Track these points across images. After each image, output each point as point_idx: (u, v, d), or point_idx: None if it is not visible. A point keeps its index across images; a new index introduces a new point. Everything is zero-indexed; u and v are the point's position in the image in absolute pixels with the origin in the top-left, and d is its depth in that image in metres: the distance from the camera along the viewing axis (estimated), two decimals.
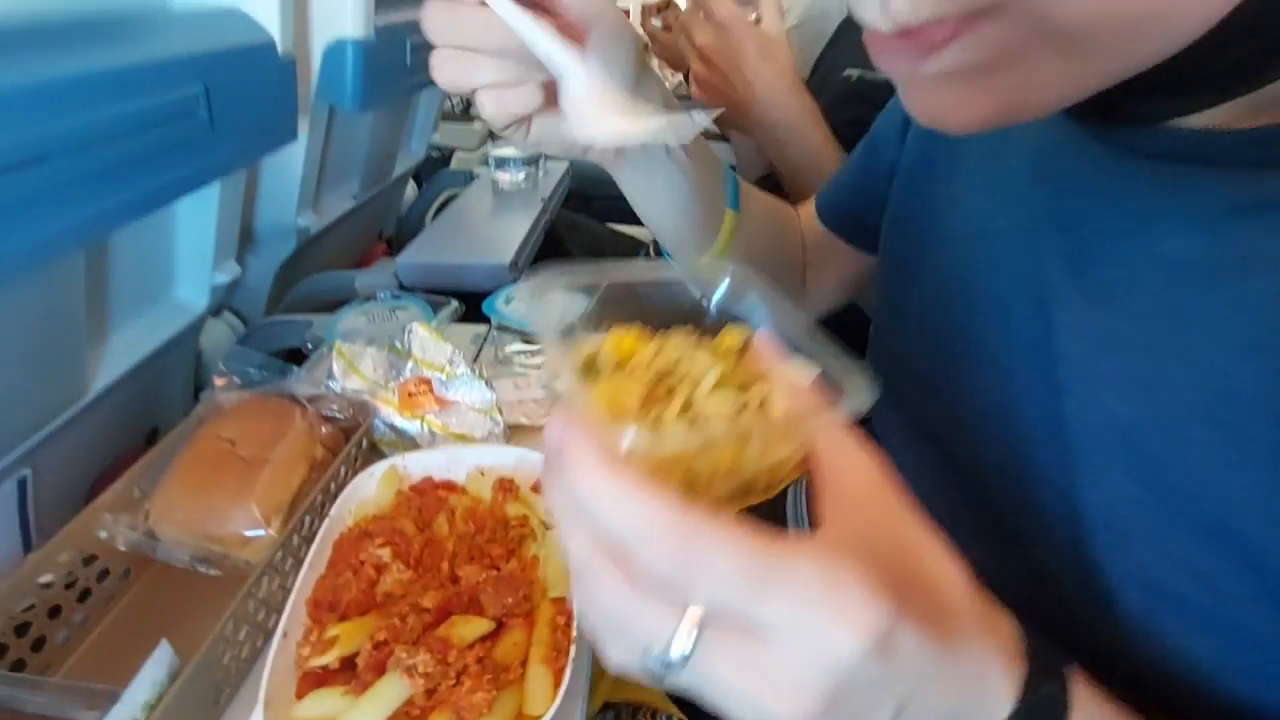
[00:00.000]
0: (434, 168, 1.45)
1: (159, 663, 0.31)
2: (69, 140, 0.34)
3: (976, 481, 0.37)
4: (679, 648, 0.18)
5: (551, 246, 1.07)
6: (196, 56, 0.44)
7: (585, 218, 1.26)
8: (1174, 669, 0.29)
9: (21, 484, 0.50)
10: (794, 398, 0.24)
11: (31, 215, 0.33)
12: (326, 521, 0.39)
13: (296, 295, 0.85)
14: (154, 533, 0.41)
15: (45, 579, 0.37)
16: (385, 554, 0.37)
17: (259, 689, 0.31)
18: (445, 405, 0.50)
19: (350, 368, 0.51)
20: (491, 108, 0.32)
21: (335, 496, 0.41)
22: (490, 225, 0.99)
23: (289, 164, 0.72)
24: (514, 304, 0.62)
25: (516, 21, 0.28)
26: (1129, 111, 0.24)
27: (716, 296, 0.30)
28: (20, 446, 0.48)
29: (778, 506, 0.56)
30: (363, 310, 0.64)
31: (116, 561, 0.41)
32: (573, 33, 0.31)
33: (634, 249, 1.22)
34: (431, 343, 0.53)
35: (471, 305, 0.71)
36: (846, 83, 0.82)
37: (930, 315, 0.41)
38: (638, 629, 0.19)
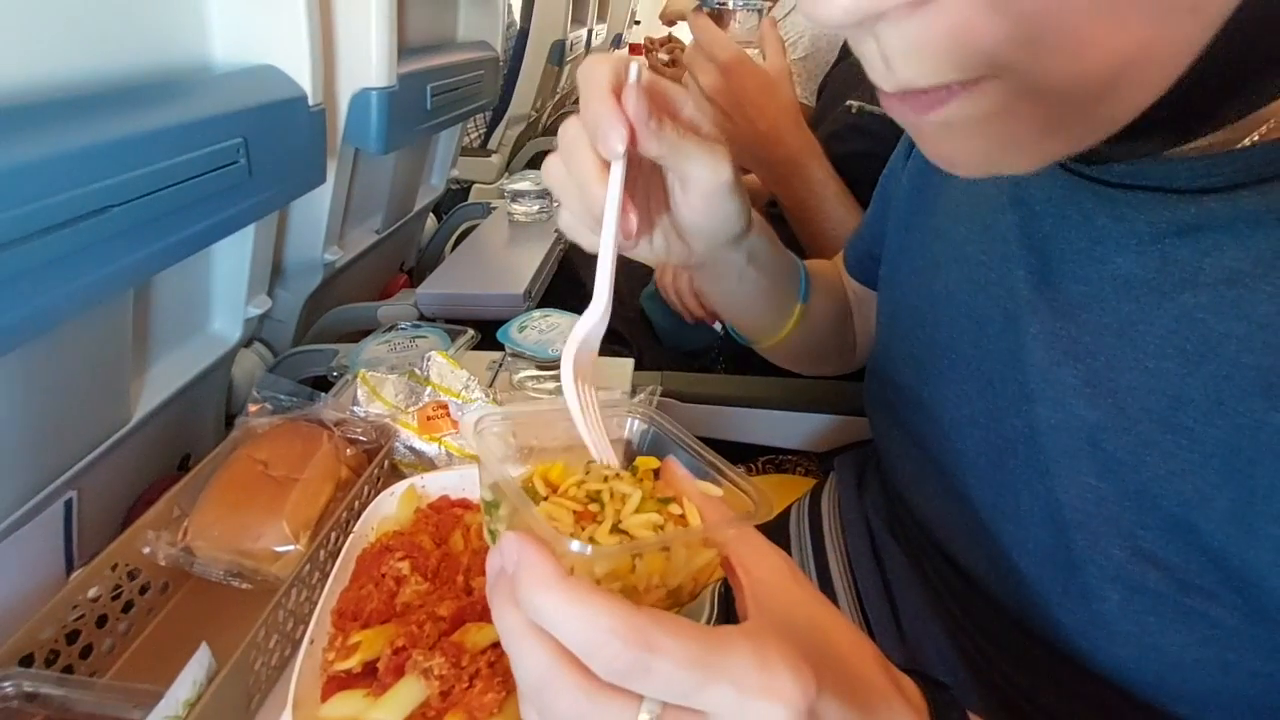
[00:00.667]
0: (454, 200, 1.51)
1: (199, 663, 0.33)
2: (126, 193, 0.38)
3: (964, 489, 0.39)
4: None
5: (566, 274, 1.11)
6: (236, 112, 0.48)
7: None
8: (1155, 666, 0.31)
9: (68, 505, 0.54)
10: (707, 511, 0.27)
11: (92, 260, 0.37)
12: (351, 537, 0.42)
13: (323, 326, 0.89)
14: (191, 549, 0.44)
15: (93, 592, 0.40)
16: (405, 567, 0.39)
17: (288, 692, 0.34)
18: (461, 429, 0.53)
19: (373, 393, 0.55)
20: (568, 221, 0.35)
21: (359, 514, 0.43)
22: (506, 256, 1.03)
23: (317, 203, 0.77)
24: (525, 332, 0.66)
25: (604, 262, 0.31)
26: (1098, 153, 0.26)
27: (633, 430, 0.34)
28: (69, 470, 0.52)
29: (781, 526, 0.58)
30: (385, 339, 0.67)
31: (157, 576, 0.44)
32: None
33: (646, 276, 1.25)
34: (448, 369, 0.56)
35: (488, 333, 0.74)
36: (848, 113, 0.85)
37: (918, 335, 0.44)
38: None
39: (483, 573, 0.40)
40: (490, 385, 0.67)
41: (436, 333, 0.68)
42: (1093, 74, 0.21)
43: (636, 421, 0.34)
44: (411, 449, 0.53)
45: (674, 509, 0.27)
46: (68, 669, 0.38)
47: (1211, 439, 0.28)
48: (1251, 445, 0.26)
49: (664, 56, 2.12)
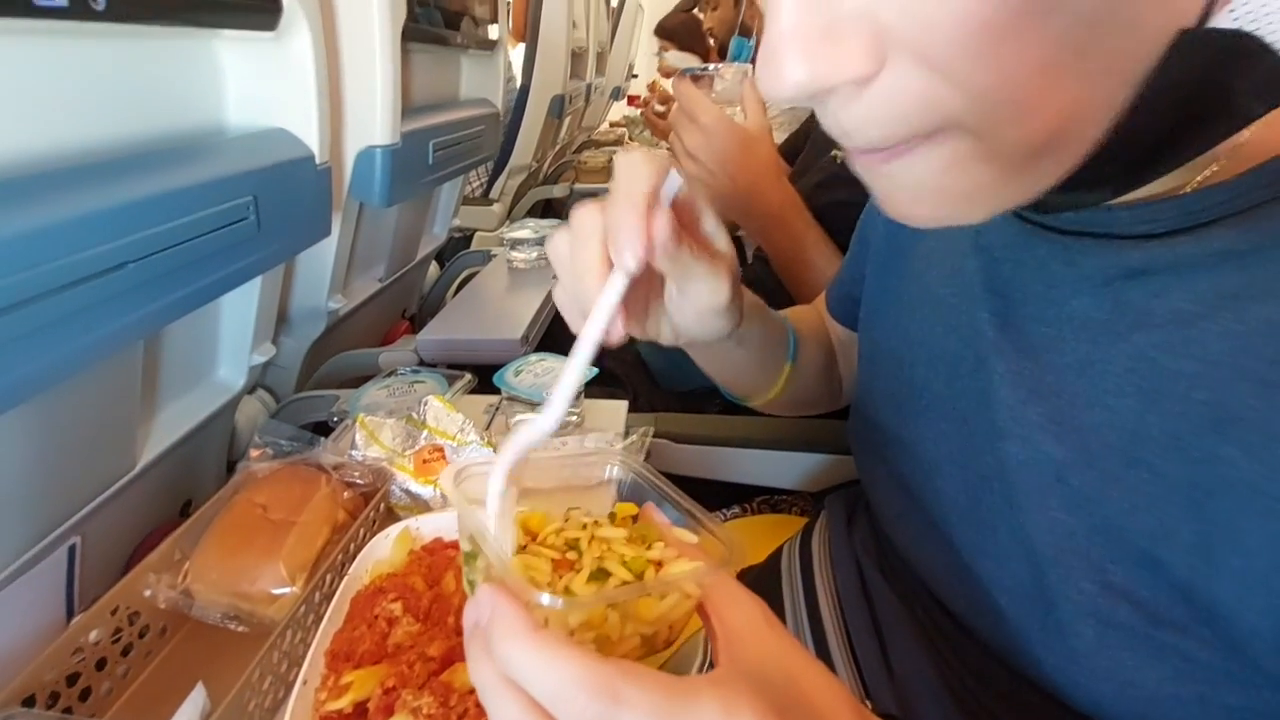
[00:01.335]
0: (456, 248, 1.55)
1: (194, 703, 0.34)
2: (141, 249, 0.41)
3: (945, 527, 0.40)
4: None
5: (564, 319, 1.14)
6: (247, 172, 0.51)
7: None
8: (1134, 703, 0.32)
9: (71, 551, 0.55)
10: (682, 557, 0.28)
11: (109, 314, 0.39)
12: (345, 579, 0.43)
13: (326, 371, 0.91)
14: (190, 592, 0.45)
15: (94, 635, 0.41)
16: (397, 608, 0.40)
17: None
18: None
19: (371, 438, 0.56)
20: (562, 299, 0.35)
21: (354, 556, 0.45)
22: (505, 302, 1.06)
23: (322, 254, 0.80)
24: (521, 376, 0.67)
25: (563, 383, 0.29)
26: (1048, 203, 0.28)
27: (613, 477, 0.35)
28: (73, 517, 0.53)
29: (773, 566, 0.59)
30: (384, 385, 0.69)
31: (156, 619, 0.45)
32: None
33: None
34: (445, 413, 0.58)
35: (488, 377, 0.76)
36: (832, 163, 0.89)
37: (896, 375, 0.45)
38: None
39: None
40: (487, 428, 0.69)
41: (434, 377, 0.70)
42: (1035, 133, 0.23)
43: (616, 468, 0.35)
44: (407, 491, 0.54)
45: (653, 553, 0.28)
46: (67, 710, 0.39)
47: (1171, 474, 0.29)
48: (1208, 479, 0.27)
49: (660, 107, 2.23)
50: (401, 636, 0.39)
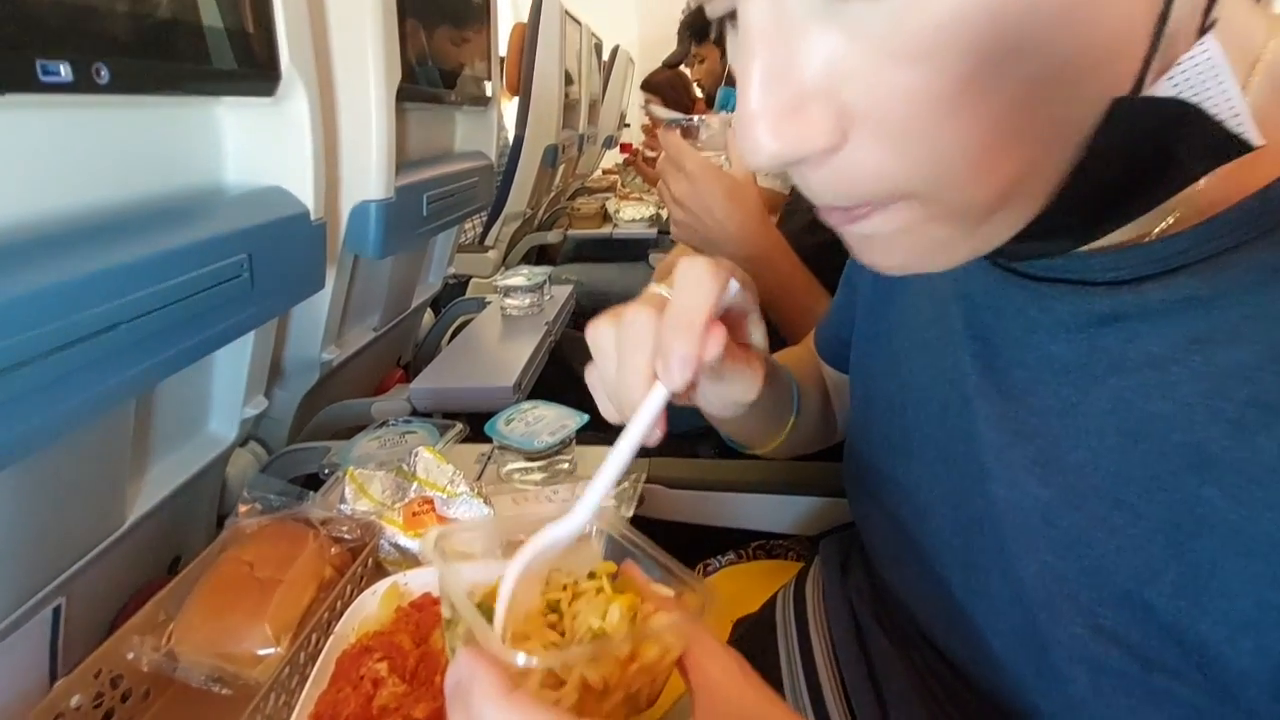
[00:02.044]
0: (451, 294, 1.57)
1: None
2: (137, 310, 0.41)
3: (940, 570, 0.40)
4: None
5: (558, 364, 1.14)
6: (243, 230, 0.52)
7: None
8: None
9: (56, 612, 0.54)
10: (661, 612, 0.28)
11: (104, 372, 0.40)
12: (331, 638, 0.42)
13: (319, 422, 0.91)
14: (174, 653, 0.44)
15: (75, 700, 0.40)
16: (383, 669, 0.40)
17: None
18: (447, 524, 0.54)
19: (361, 491, 0.56)
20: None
21: (341, 614, 0.44)
22: (498, 349, 1.07)
23: (316, 306, 0.81)
24: (512, 425, 0.68)
25: (615, 456, 0.30)
26: (1013, 251, 0.30)
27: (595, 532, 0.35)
28: (60, 577, 0.53)
29: (768, 614, 0.58)
30: (376, 436, 0.69)
31: (139, 682, 0.44)
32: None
33: None
34: (435, 464, 0.58)
35: (480, 425, 0.76)
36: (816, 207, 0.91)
37: (889, 419, 0.46)
38: None
39: None
40: (479, 478, 0.69)
41: (426, 428, 0.70)
42: (986, 195, 0.25)
43: (597, 525, 0.35)
44: (396, 545, 0.54)
45: (631, 608, 0.28)
46: None
47: (1153, 515, 0.29)
48: (1190, 520, 0.28)
49: (650, 154, 2.31)
50: (387, 698, 0.38)
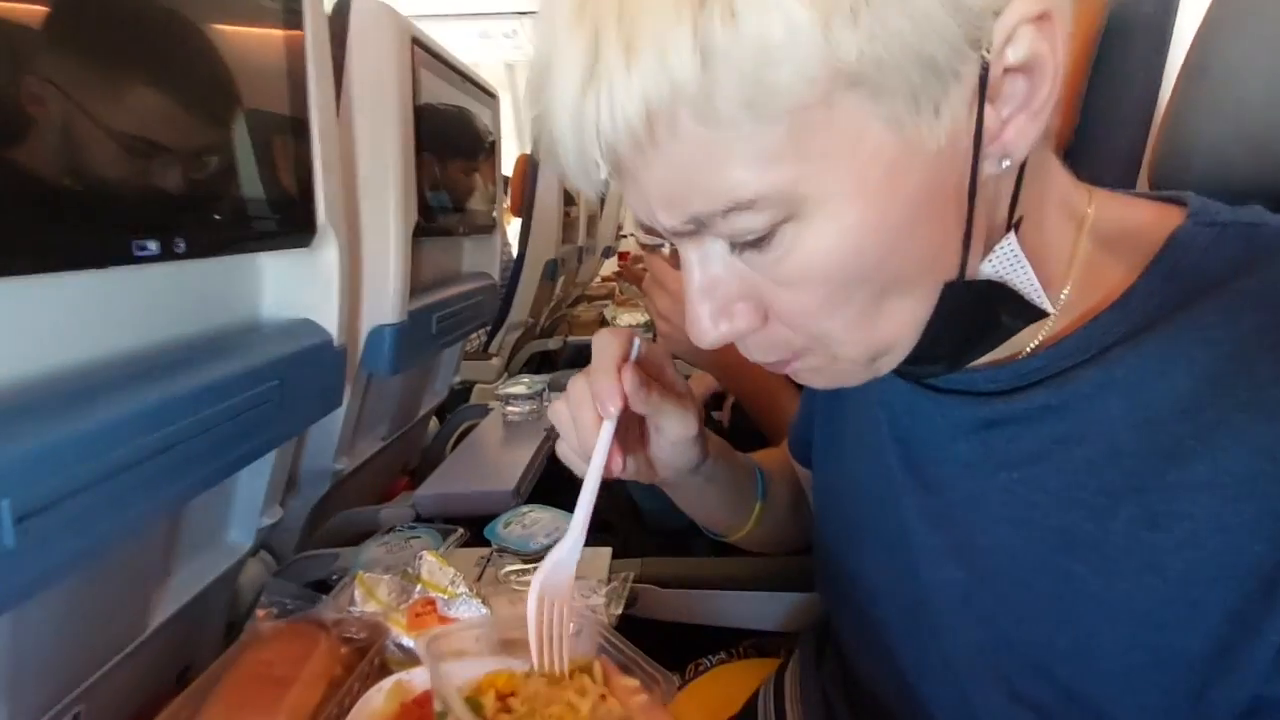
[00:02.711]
0: (456, 400, 1.64)
1: None
2: (188, 433, 0.48)
3: (893, 653, 0.44)
4: None
5: (556, 467, 1.19)
6: (275, 359, 0.60)
7: None
8: None
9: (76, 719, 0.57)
10: (627, 697, 0.34)
11: (155, 489, 0.46)
12: None
13: (328, 529, 0.96)
14: None
15: None
16: None
17: None
18: (447, 624, 0.58)
19: (369, 594, 0.61)
20: (568, 453, 0.44)
21: (349, 709, 0.48)
22: (499, 455, 1.12)
23: (331, 420, 0.88)
24: (510, 528, 0.73)
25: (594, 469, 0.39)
26: (903, 372, 0.37)
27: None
28: (84, 682, 0.56)
29: (750, 710, 0.61)
30: (383, 542, 0.74)
31: None
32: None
33: None
34: (437, 567, 0.63)
35: (481, 529, 0.81)
36: None
37: (843, 510, 0.51)
38: None
39: None
40: (478, 580, 0.73)
41: (429, 533, 0.75)
42: (866, 350, 0.34)
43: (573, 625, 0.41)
44: (400, 646, 0.57)
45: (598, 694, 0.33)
46: None
47: (1042, 590, 0.34)
48: (1069, 593, 0.33)
49: (639, 266, 2.49)
50: None
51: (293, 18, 0.60)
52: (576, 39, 0.27)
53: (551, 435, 1.22)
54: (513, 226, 2.18)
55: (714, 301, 0.33)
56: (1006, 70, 0.28)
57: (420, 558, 0.64)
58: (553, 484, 1.12)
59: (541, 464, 1.12)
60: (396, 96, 0.82)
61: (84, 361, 0.47)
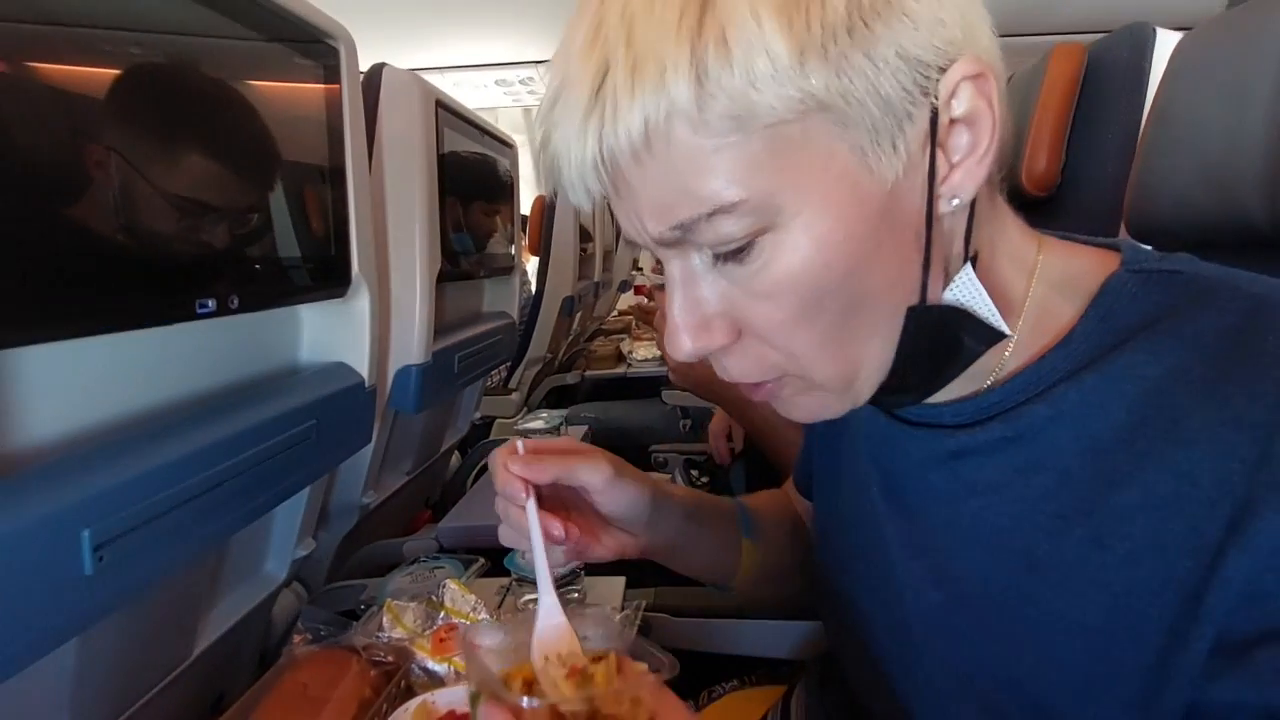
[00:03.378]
0: (477, 435, 1.69)
1: None
2: (236, 470, 0.53)
3: (886, 675, 0.46)
4: None
5: None
6: (313, 401, 0.66)
7: None
8: None
9: None
10: (638, 678, 0.36)
11: (208, 521, 0.51)
12: None
13: (356, 560, 1.00)
14: None
15: None
16: None
17: None
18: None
19: (396, 620, 0.65)
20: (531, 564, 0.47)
21: None
22: None
23: (360, 456, 0.93)
24: (528, 557, 0.76)
25: (536, 563, 0.43)
26: (880, 402, 0.41)
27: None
28: (131, 708, 0.60)
29: None
30: (408, 572, 0.78)
31: None
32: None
33: None
34: (460, 595, 0.66)
35: (500, 559, 0.84)
36: None
37: (834, 540, 0.54)
38: None
39: None
40: (499, 607, 0.76)
41: (452, 563, 0.79)
42: (838, 374, 0.37)
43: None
44: (425, 669, 0.61)
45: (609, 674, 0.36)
46: None
47: (1010, 610, 0.37)
48: (1034, 611, 0.36)
49: (650, 302, 2.57)
50: None
51: (333, 94, 0.67)
52: (589, 63, 0.31)
53: None
54: (531, 264, 2.26)
55: (694, 316, 0.36)
56: (953, 121, 0.33)
57: (444, 586, 0.68)
58: None
59: None
60: (423, 155, 0.88)
61: (148, 406, 0.52)
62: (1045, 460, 0.36)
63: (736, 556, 0.61)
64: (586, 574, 0.82)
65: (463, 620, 0.64)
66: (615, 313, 3.68)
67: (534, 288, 2.14)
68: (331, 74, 0.67)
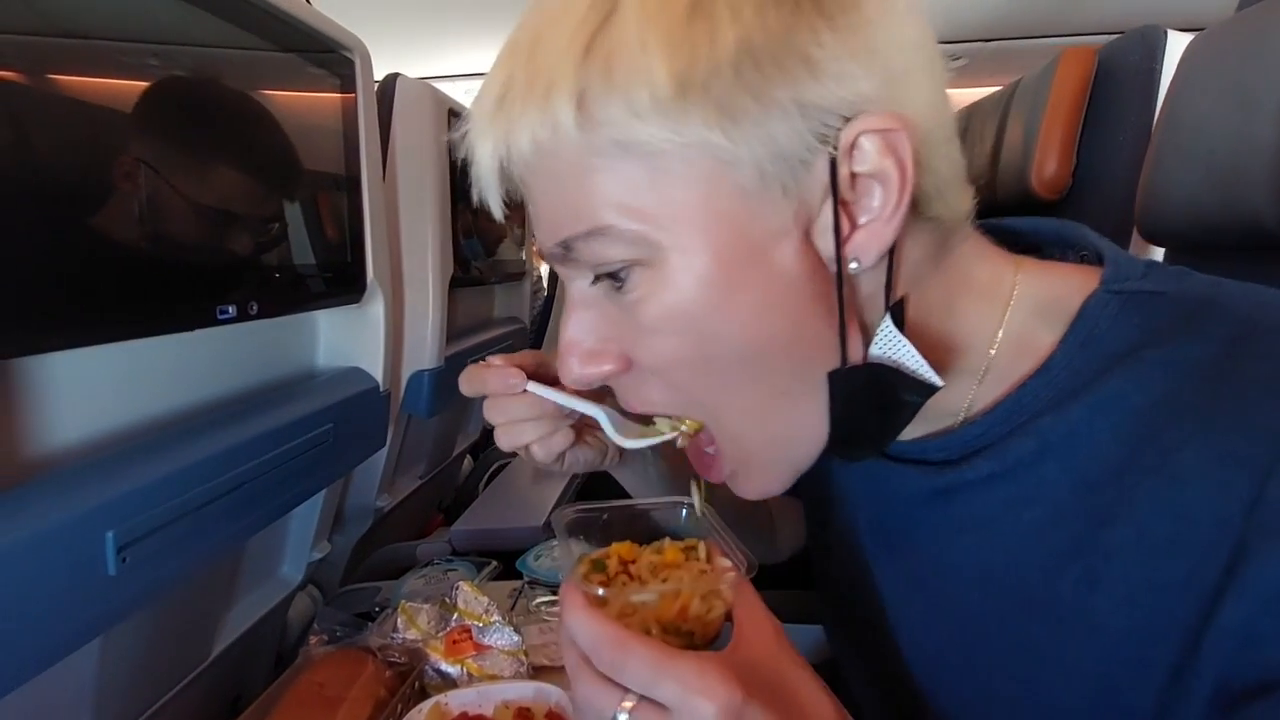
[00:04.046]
0: (489, 440, 1.70)
1: None
2: (257, 472, 0.54)
3: (886, 703, 0.45)
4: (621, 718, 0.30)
5: (586, 497, 1.23)
6: (330, 405, 0.67)
7: None
8: None
9: None
10: (722, 572, 0.37)
11: (229, 522, 0.52)
12: None
13: (371, 563, 1.01)
14: None
15: None
16: None
17: None
18: (481, 650, 0.63)
19: (410, 622, 0.65)
20: (541, 453, 0.45)
21: None
22: (529, 492, 1.17)
23: (374, 460, 0.94)
24: (540, 560, 0.77)
25: (558, 398, 0.42)
26: (839, 454, 0.38)
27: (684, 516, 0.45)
28: (150, 708, 0.61)
29: None
30: (422, 574, 0.79)
31: None
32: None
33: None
34: (473, 597, 0.67)
35: (513, 562, 0.85)
36: None
37: (827, 557, 0.52)
38: (598, 706, 0.31)
39: None
40: (512, 609, 0.77)
41: (465, 565, 0.80)
42: (768, 441, 0.36)
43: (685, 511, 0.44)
44: (438, 671, 0.62)
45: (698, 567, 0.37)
46: None
47: (1006, 651, 0.36)
48: (1030, 655, 0.34)
49: None
50: None
51: (349, 104, 0.68)
52: (499, 72, 0.32)
53: (579, 475, 1.27)
54: (544, 268, 2.27)
55: (586, 341, 0.35)
56: (859, 175, 0.31)
57: (457, 588, 0.69)
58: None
59: (571, 497, 1.16)
60: (435, 163, 0.90)
61: (169, 410, 0.54)
62: (1036, 495, 0.34)
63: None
64: None
65: (475, 622, 0.65)
66: None
67: (546, 292, 2.15)
68: (347, 84, 0.68)
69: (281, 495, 0.61)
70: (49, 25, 0.39)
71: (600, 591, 0.34)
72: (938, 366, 0.33)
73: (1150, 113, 0.85)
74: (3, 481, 0.40)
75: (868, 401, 0.34)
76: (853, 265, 0.32)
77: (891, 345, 0.33)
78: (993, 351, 0.36)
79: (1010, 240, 0.39)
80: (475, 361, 1.06)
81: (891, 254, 0.32)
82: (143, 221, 0.45)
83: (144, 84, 0.45)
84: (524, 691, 0.55)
